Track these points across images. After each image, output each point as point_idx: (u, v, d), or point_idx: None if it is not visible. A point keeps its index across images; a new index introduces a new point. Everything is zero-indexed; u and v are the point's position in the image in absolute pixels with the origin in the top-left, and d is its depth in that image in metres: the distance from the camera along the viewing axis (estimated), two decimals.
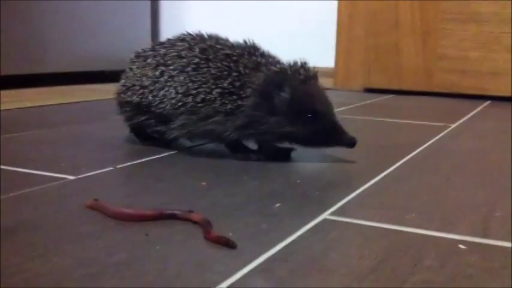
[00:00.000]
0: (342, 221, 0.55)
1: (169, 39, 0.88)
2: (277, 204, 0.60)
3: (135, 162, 0.79)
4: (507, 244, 0.50)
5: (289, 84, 0.77)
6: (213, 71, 0.79)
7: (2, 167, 0.73)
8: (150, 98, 0.83)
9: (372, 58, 1.97)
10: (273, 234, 0.51)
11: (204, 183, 0.68)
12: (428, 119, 1.31)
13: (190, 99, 0.79)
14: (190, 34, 0.87)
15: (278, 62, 0.82)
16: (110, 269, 0.42)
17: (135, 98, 0.85)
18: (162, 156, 0.83)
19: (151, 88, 0.83)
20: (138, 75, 0.85)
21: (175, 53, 0.83)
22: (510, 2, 1.75)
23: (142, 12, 2.17)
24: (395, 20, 1.92)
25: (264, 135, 0.79)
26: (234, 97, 0.77)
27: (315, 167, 0.81)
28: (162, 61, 0.83)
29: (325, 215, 0.57)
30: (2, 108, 1.29)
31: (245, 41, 0.83)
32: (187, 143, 0.89)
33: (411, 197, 0.65)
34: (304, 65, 0.80)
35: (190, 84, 0.79)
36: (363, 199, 0.64)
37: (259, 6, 2.20)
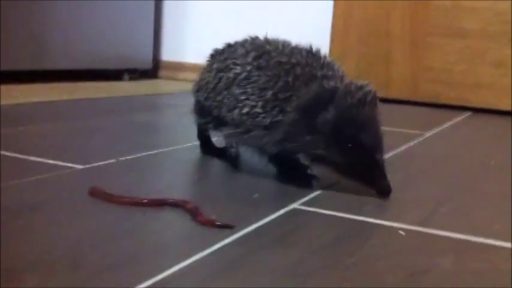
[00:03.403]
0: (308, 210, 0.66)
1: (237, 42, 0.84)
2: (256, 195, 0.71)
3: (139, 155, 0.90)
4: (444, 233, 0.60)
5: (337, 104, 0.70)
6: (261, 81, 0.74)
7: (22, 156, 0.83)
8: (211, 101, 0.81)
9: (362, 66, 2.08)
10: (251, 217, 0.61)
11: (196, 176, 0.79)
12: (406, 127, 1.41)
13: (237, 111, 0.76)
14: (254, 38, 0.82)
15: (336, 76, 0.74)
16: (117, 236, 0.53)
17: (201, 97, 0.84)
18: (169, 150, 0.94)
19: (212, 92, 0.81)
20: (207, 75, 0.84)
21: (233, 59, 0.79)
22: (495, 19, 1.86)
23: (146, 12, 2.27)
24: (387, 30, 2.03)
25: (296, 153, 0.76)
26: (277, 109, 0.72)
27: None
28: (222, 66, 0.80)
29: (296, 205, 0.68)
30: (21, 101, 1.40)
31: (309, 49, 0.77)
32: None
33: (371, 193, 0.75)
34: (363, 87, 0.72)
35: (239, 96, 0.76)
36: (329, 194, 0.74)
37: (250, 10, 2.26)
